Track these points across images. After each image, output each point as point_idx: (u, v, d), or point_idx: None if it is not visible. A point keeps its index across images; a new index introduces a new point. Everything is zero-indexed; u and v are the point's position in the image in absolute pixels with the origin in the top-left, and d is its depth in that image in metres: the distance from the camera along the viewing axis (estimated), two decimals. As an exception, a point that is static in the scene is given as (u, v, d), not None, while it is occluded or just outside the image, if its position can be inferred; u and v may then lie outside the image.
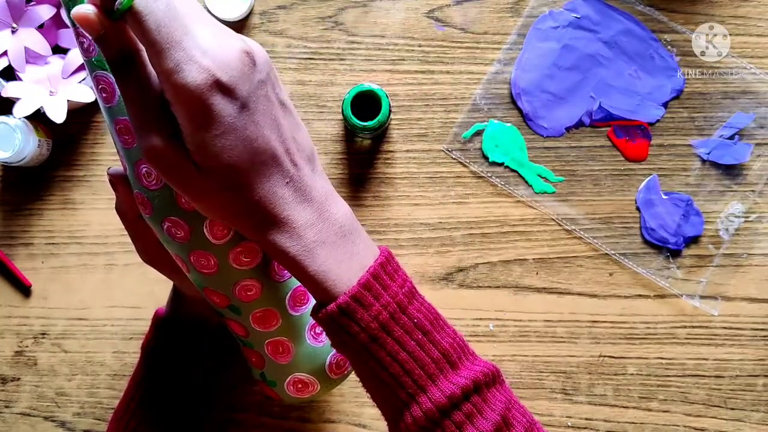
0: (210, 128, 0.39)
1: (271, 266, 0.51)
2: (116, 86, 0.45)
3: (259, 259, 0.49)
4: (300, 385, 0.55)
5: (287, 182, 0.43)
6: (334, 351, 0.55)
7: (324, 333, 0.54)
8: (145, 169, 0.46)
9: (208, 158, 0.40)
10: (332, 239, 0.44)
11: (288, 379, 0.55)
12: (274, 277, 0.51)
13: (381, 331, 0.44)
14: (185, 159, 0.41)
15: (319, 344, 0.54)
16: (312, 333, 0.54)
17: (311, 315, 0.47)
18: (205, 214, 0.44)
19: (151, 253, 0.54)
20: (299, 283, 0.52)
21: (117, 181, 0.50)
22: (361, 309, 0.43)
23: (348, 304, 0.43)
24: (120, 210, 0.52)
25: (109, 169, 0.51)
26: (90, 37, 0.45)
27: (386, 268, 0.45)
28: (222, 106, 0.39)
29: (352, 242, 0.45)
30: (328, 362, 0.55)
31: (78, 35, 0.45)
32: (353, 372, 0.48)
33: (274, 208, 0.42)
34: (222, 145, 0.40)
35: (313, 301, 0.53)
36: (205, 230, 0.47)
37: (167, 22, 0.38)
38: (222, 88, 0.39)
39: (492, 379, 0.46)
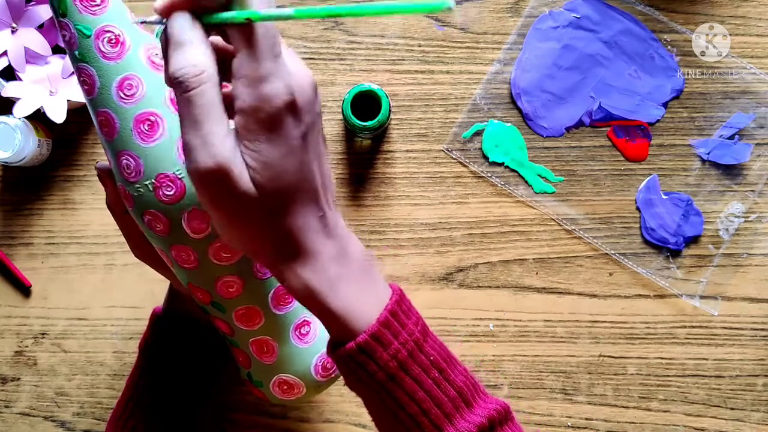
0: (280, 146, 0.39)
1: (252, 263, 0.50)
2: (96, 78, 0.45)
3: (240, 255, 0.49)
4: (285, 387, 0.55)
5: (320, 215, 0.43)
6: (320, 353, 0.55)
7: (309, 334, 0.53)
8: (125, 161, 0.46)
9: (270, 178, 0.40)
10: (353, 275, 0.44)
11: (273, 380, 0.55)
12: (255, 274, 0.51)
13: (399, 369, 0.43)
14: (245, 177, 0.40)
15: (304, 345, 0.54)
16: (297, 333, 0.53)
17: (327, 353, 0.46)
18: (231, 239, 0.43)
19: (142, 248, 0.54)
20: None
21: (104, 175, 0.50)
22: (380, 348, 0.43)
23: (367, 342, 0.43)
24: (109, 204, 0.52)
25: (97, 163, 0.51)
26: (72, 30, 0.45)
27: (401, 305, 0.45)
28: (292, 126, 0.40)
29: (370, 279, 0.45)
30: (314, 364, 0.54)
31: (61, 28, 0.46)
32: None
33: (306, 240, 0.42)
34: (284, 167, 0.40)
35: (296, 302, 0.53)
36: (183, 224, 0.47)
37: (272, 35, 0.39)
38: (295, 110, 0.39)
39: (504, 416, 0.46)
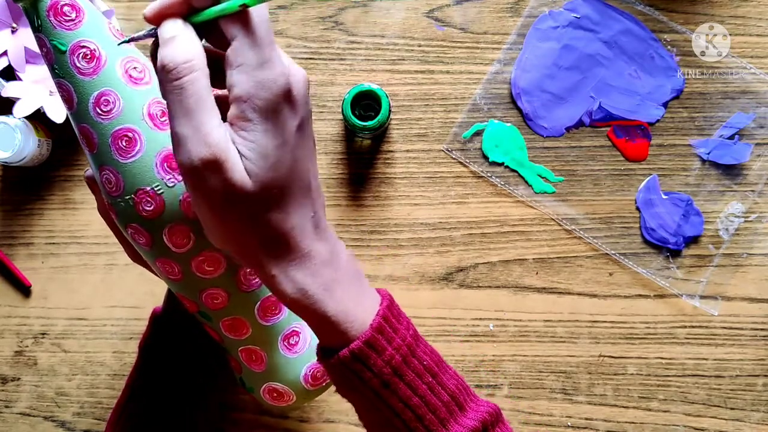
0: (276, 136, 0.39)
1: (237, 276, 0.50)
2: (74, 93, 0.45)
3: (223, 269, 0.49)
4: (275, 394, 0.55)
5: (312, 215, 0.42)
6: (310, 362, 0.54)
7: (298, 344, 0.53)
8: (105, 176, 0.46)
9: (266, 168, 0.39)
10: (346, 279, 0.43)
11: (263, 387, 0.55)
12: (240, 287, 0.50)
13: (393, 376, 0.43)
14: (239, 167, 0.39)
15: (293, 355, 0.54)
16: (285, 343, 0.53)
17: (318, 360, 0.45)
18: (220, 237, 0.41)
19: (136, 252, 0.54)
20: (268, 294, 0.52)
21: (92, 183, 0.50)
22: (374, 354, 0.42)
23: (362, 349, 0.42)
24: (101, 211, 0.52)
25: (85, 172, 0.50)
26: (48, 45, 0.44)
27: (392, 311, 0.44)
28: (288, 116, 0.39)
29: (360, 285, 0.44)
30: (303, 374, 0.54)
31: (38, 42, 0.45)
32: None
33: (300, 241, 0.41)
34: (279, 159, 0.39)
35: (284, 314, 0.53)
36: (164, 238, 0.47)
37: (266, 22, 0.39)
38: (291, 100, 0.39)
39: (496, 418, 0.46)
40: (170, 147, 0.45)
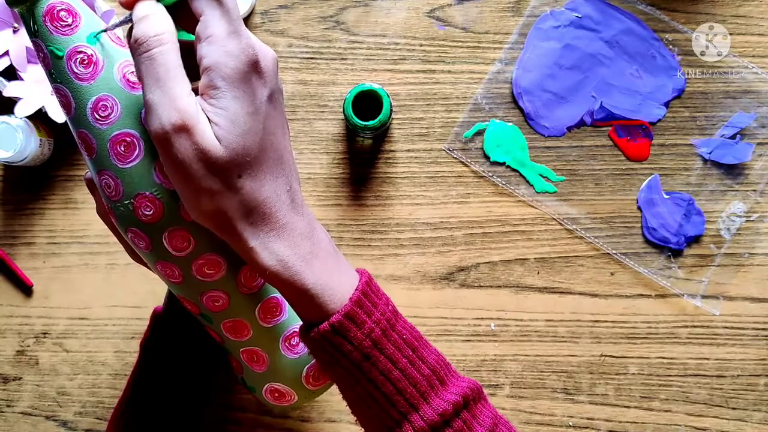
0: (246, 103, 0.40)
1: (237, 279, 0.50)
2: (71, 99, 0.45)
3: (223, 272, 0.49)
4: (277, 394, 0.55)
5: (288, 189, 0.43)
6: (311, 362, 0.55)
7: (299, 345, 0.53)
8: (104, 181, 0.46)
9: (236, 134, 0.40)
10: (323, 254, 0.44)
11: (265, 387, 0.55)
12: (241, 290, 0.50)
13: (374, 348, 0.43)
14: (210, 133, 0.40)
15: (294, 356, 0.54)
16: (287, 344, 0.53)
17: (300, 338, 0.46)
18: (197, 208, 0.42)
19: (135, 253, 0.54)
20: (269, 296, 0.52)
21: (91, 185, 0.50)
22: (354, 327, 0.43)
23: (341, 323, 0.43)
24: (100, 213, 0.53)
25: (85, 174, 0.51)
26: (45, 51, 0.44)
27: (371, 287, 0.45)
28: (257, 85, 0.40)
29: (338, 261, 0.45)
30: (304, 374, 0.54)
31: (35, 47, 0.45)
32: (336, 389, 0.48)
33: (278, 211, 0.42)
34: (249, 126, 0.40)
35: (285, 315, 0.53)
36: (164, 242, 0.47)
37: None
38: (259, 70, 0.40)
39: (477, 394, 0.46)
40: None
